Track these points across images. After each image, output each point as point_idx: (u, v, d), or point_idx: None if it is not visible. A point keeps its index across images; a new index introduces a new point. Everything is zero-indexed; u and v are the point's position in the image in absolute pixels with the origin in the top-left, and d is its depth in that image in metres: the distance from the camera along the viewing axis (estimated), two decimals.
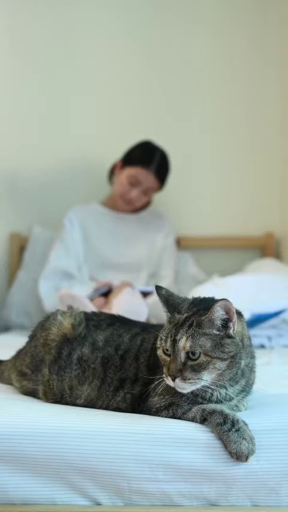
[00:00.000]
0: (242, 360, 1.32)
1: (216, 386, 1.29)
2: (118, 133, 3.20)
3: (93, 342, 1.51)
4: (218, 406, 1.30)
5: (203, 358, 1.26)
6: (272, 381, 1.69)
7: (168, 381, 1.29)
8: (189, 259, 3.17)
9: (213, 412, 1.28)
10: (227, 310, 1.28)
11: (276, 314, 2.41)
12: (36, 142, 3.22)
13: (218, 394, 1.31)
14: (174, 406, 1.33)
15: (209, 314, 1.28)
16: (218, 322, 1.28)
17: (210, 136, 3.32)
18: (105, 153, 3.14)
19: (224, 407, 1.30)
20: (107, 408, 1.43)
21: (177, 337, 1.28)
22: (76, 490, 1.29)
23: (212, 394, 1.31)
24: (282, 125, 3.26)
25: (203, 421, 1.29)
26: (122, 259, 2.93)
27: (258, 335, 2.39)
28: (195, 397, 1.32)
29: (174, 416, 1.33)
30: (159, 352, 1.33)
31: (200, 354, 1.26)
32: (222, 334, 1.28)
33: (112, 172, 3.03)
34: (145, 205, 3.06)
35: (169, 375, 1.28)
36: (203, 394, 1.31)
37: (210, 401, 1.32)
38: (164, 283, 2.59)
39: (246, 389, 1.38)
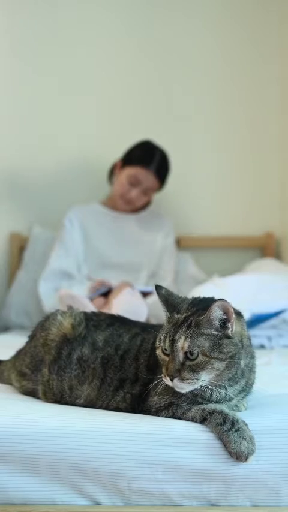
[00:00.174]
0: (241, 360, 1.32)
1: (215, 386, 1.29)
2: (118, 133, 3.20)
3: (93, 342, 1.51)
4: (217, 406, 1.30)
5: (201, 358, 1.26)
6: (272, 380, 1.69)
7: (167, 381, 1.29)
8: (189, 259, 3.17)
9: (213, 412, 1.28)
10: (225, 311, 1.28)
11: (276, 314, 2.41)
12: (36, 142, 3.22)
13: (218, 394, 1.31)
14: (174, 406, 1.33)
15: (207, 314, 1.28)
16: (216, 322, 1.28)
17: (210, 136, 3.32)
18: (105, 153, 3.14)
19: (223, 407, 1.30)
20: (106, 408, 1.43)
21: (176, 337, 1.28)
22: (76, 490, 1.29)
23: (211, 394, 1.31)
24: (282, 125, 3.26)
25: (202, 421, 1.29)
26: (122, 259, 2.93)
27: (258, 335, 2.39)
28: (195, 397, 1.32)
29: (174, 416, 1.33)
30: (158, 351, 1.33)
31: (198, 354, 1.26)
32: (220, 334, 1.28)
33: (112, 172, 3.03)
34: (145, 205, 3.06)
35: (167, 375, 1.28)
36: (203, 394, 1.31)
37: (209, 401, 1.32)
38: (164, 283, 2.57)
39: (246, 390, 1.38)
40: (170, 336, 1.30)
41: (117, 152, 2.99)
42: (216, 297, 1.34)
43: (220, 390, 1.31)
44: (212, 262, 3.22)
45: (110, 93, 3.26)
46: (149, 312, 2.46)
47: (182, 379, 1.26)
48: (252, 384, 1.41)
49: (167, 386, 1.31)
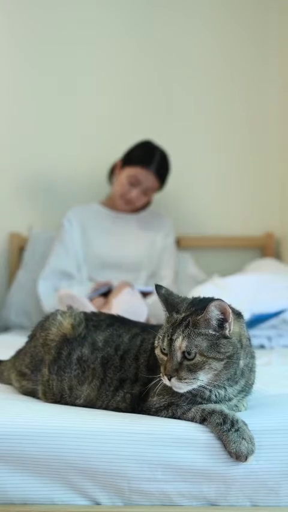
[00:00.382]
0: (240, 360, 1.32)
1: (214, 386, 1.29)
2: (118, 133, 3.21)
3: (92, 342, 1.51)
4: (217, 406, 1.30)
5: (198, 358, 1.26)
6: (272, 380, 1.69)
7: (165, 380, 1.29)
8: (189, 259, 3.17)
9: (212, 412, 1.28)
10: (223, 311, 1.28)
11: (276, 314, 2.41)
12: (36, 142, 3.22)
13: (217, 394, 1.32)
14: (174, 406, 1.33)
15: (204, 314, 1.28)
16: (214, 322, 1.28)
17: (210, 136, 3.32)
18: (105, 153, 3.14)
19: (223, 407, 1.30)
20: (106, 408, 1.43)
21: (174, 337, 1.28)
22: (76, 490, 1.29)
23: (210, 394, 1.31)
24: (282, 125, 3.26)
25: (202, 421, 1.29)
26: (121, 259, 2.93)
27: (258, 335, 2.39)
28: (194, 397, 1.32)
29: (173, 416, 1.33)
30: (157, 351, 1.33)
31: (195, 354, 1.26)
32: (218, 334, 1.28)
33: (112, 172, 3.03)
34: (145, 205, 3.06)
35: (165, 374, 1.28)
36: (202, 394, 1.31)
37: (209, 401, 1.32)
38: (163, 283, 2.57)
39: (245, 390, 1.38)
40: (168, 336, 1.30)
41: (117, 152, 2.99)
42: (216, 297, 1.34)
43: (219, 390, 1.31)
44: (212, 262, 3.22)
45: (110, 93, 3.26)
46: (149, 312, 2.45)
47: (180, 378, 1.27)
48: (252, 384, 1.40)
49: (167, 386, 1.31)
